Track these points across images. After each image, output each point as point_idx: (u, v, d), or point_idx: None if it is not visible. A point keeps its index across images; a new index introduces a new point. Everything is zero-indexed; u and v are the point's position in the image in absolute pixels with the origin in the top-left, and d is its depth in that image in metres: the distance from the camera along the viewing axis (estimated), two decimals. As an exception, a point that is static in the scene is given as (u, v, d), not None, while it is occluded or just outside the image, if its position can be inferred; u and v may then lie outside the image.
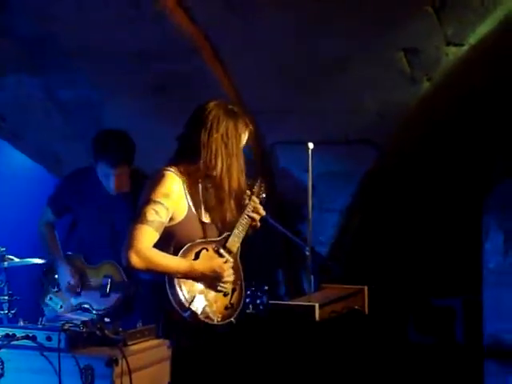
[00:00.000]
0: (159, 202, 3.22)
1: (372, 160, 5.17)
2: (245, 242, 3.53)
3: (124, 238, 3.28)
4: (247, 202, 3.48)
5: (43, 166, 5.91)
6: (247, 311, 3.55)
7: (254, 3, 4.24)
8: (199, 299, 3.29)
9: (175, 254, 3.32)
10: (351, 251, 5.49)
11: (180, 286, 3.28)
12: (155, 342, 3.56)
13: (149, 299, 3.44)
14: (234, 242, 3.44)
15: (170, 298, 3.28)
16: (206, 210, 3.41)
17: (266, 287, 3.63)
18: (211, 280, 3.33)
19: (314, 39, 4.36)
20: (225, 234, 3.45)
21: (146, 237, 3.19)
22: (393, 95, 4.61)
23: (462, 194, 5.48)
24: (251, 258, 3.57)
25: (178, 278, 3.28)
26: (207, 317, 3.30)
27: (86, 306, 4.44)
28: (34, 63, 4.89)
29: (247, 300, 3.56)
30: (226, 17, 4.30)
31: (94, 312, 4.28)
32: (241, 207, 3.48)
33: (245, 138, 3.45)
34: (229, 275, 3.36)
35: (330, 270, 4.93)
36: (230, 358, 3.46)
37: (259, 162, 3.60)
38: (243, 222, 3.46)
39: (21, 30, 4.56)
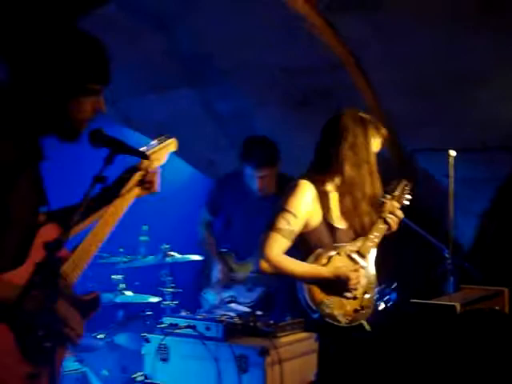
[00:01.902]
0: (291, 212, 3.19)
1: (509, 167, 5.03)
2: (382, 245, 3.40)
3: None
4: (385, 205, 3.35)
5: (198, 170, 6.09)
6: (379, 308, 3.45)
7: (396, 23, 4.22)
8: (326, 303, 3.20)
9: (307, 258, 3.26)
10: (489, 253, 5.33)
11: (308, 291, 3.20)
12: (303, 334, 3.61)
13: (286, 299, 3.47)
14: (368, 246, 3.30)
15: (301, 300, 3.23)
16: (342, 216, 3.32)
17: (395, 284, 3.56)
18: (338, 285, 3.21)
19: (454, 56, 4.30)
20: (360, 239, 3.33)
21: (276, 244, 3.17)
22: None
23: None
24: (392, 260, 3.54)
25: (306, 282, 3.22)
26: (335, 319, 3.20)
27: (233, 298, 4.57)
28: (194, 79, 5.05)
29: (376, 296, 3.45)
30: (368, 35, 4.31)
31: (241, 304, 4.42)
32: (377, 211, 3.35)
33: (376, 144, 3.35)
34: (357, 282, 3.23)
35: (468, 271, 4.81)
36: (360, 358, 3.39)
37: (399, 167, 3.59)
38: (379, 226, 3.33)
39: (183, 50, 4.73)
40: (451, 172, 3.71)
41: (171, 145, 2.79)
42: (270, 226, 3.19)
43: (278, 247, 3.17)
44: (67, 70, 2.29)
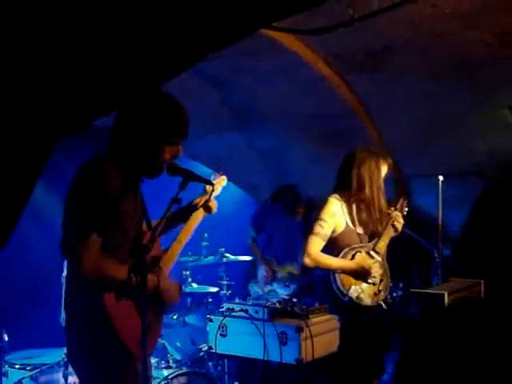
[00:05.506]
0: (324, 220, 3.30)
1: (482, 187, 5.01)
2: (390, 245, 3.49)
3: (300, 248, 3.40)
4: (391, 215, 3.44)
5: (245, 191, 6.10)
6: (387, 300, 3.50)
7: (393, 79, 4.23)
8: (354, 288, 3.31)
9: (338, 255, 3.37)
10: (468, 253, 5.27)
11: (340, 280, 3.32)
12: (328, 316, 3.58)
13: (320, 289, 3.50)
14: (381, 245, 3.42)
15: (334, 288, 3.33)
16: (360, 223, 3.42)
17: (402, 284, 3.60)
18: (362, 274, 3.33)
19: (440, 102, 4.30)
20: (374, 240, 3.44)
21: (314, 244, 3.28)
22: (500, 141, 4.44)
23: None
24: (394, 258, 3.54)
25: (338, 273, 3.32)
26: (361, 301, 3.31)
27: (274, 292, 4.59)
28: (241, 123, 5.09)
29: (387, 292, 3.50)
30: (374, 88, 4.32)
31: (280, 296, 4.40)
32: (383, 219, 3.44)
33: (385, 170, 3.44)
34: (376, 271, 3.34)
35: (451, 267, 4.77)
36: (378, 331, 3.42)
37: (398, 187, 3.61)
38: (388, 230, 3.43)
39: (233, 102, 4.78)
40: (439, 192, 3.69)
41: (223, 180, 2.88)
42: (310, 231, 3.31)
43: (316, 246, 3.28)
44: (157, 127, 2.35)
